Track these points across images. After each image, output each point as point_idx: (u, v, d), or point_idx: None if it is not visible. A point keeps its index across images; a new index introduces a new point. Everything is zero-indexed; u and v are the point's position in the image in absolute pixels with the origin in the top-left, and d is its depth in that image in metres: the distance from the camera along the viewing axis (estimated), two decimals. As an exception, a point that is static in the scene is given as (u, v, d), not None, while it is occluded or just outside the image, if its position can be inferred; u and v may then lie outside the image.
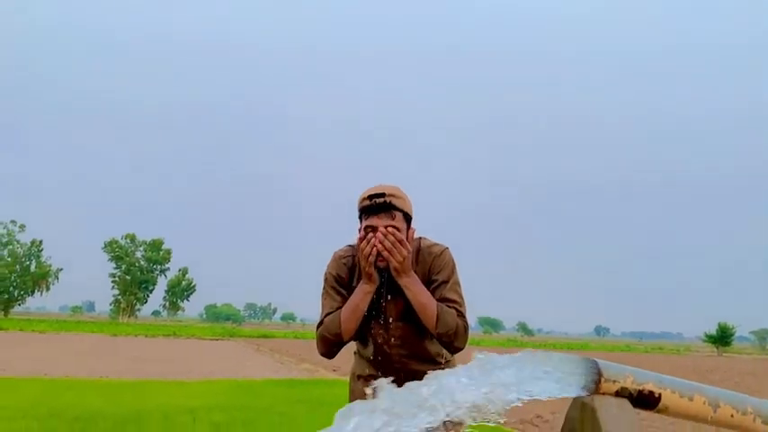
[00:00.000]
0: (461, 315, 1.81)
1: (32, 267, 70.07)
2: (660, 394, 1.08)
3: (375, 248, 1.73)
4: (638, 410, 1.08)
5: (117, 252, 74.08)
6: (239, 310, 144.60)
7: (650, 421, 7.12)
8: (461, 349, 1.83)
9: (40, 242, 71.39)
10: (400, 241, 1.73)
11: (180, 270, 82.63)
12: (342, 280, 1.92)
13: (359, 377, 2.02)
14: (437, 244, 1.94)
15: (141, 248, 76.30)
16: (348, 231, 2.04)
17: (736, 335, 63.52)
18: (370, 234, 1.75)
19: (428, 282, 1.85)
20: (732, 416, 1.15)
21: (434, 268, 1.87)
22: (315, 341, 1.95)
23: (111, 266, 74.42)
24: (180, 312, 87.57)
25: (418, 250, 1.90)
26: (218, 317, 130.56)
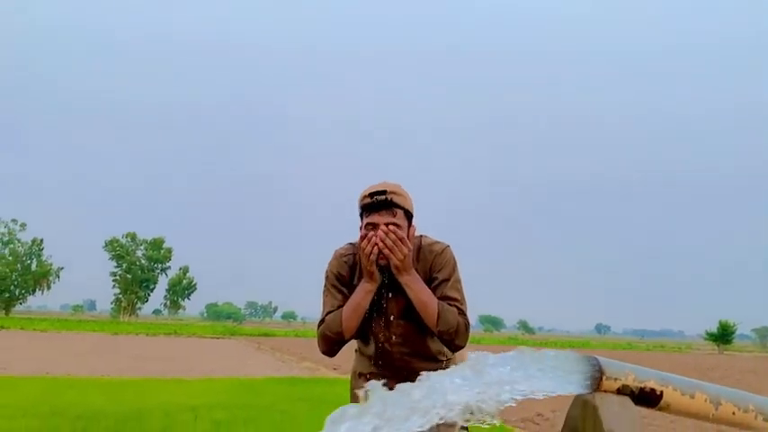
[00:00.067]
0: (462, 313, 1.81)
1: (33, 266, 70.13)
2: (662, 392, 1.08)
3: (376, 247, 1.73)
4: (639, 408, 1.08)
5: (118, 251, 74.13)
6: (240, 309, 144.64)
7: (651, 419, 7.12)
8: (462, 347, 1.83)
9: (41, 241, 71.46)
10: (401, 239, 1.73)
11: (181, 269, 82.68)
12: (343, 278, 1.92)
13: (360, 375, 2.02)
14: (438, 242, 1.94)
15: (142, 247, 76.35)
16: (349, 230, 2.04)
17: (738, 333, 63.47)
18: (371, 233, 1.75)
19: (429, 280, 1.85)
20: (734, 413, 1.15)
21: (435, 266, 1.87)
22: (316, 339, 1.95)
23: (111, 265, 74.52)
24: (181, 311, 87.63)
25: (419, 248, 1.90)
26: (219, 315, 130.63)
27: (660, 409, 1.11)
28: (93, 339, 24.87)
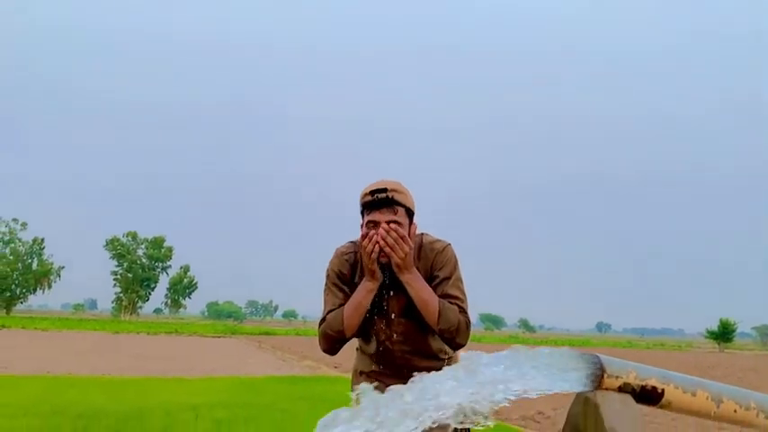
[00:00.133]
0: (463, 311, 1.81)
1: (34, 265, 70.18)
2: (663, 390, 1.08)
3: (377, 245, 1.73)
4: (640, 406, 1.08)
5: (119, 250, 74.17)
6: (241, 308, 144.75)
7: (652, 417, 7.12)
8: (463, 345, 1.83)
9: (42, 240, 71.50)
10: (402, 237, 1.73)
11: (181, 267, 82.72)
12: (344, 276, 1.92)
13: (361, 373, 2.02)
14: (439, 240, 1.94)
15: (143, 246, 76.39)
16: (349, 228, 2.05)
17: (738, 331, 63.38)
18: (372, 232, 1.75)
19: (430, 278, 1.85)
20: (735, 411, 1.15)
21: (436, 264, 1.87)
22: (316, 338, 1.95)
23: (112, 264, 74.58)
24: (182, 310, 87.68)
25: (420, 246, 1.90)
26: (220, 314, 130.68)
27: (662, 407, 1.11)
28: (94, 338, 24.89)
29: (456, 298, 1.82)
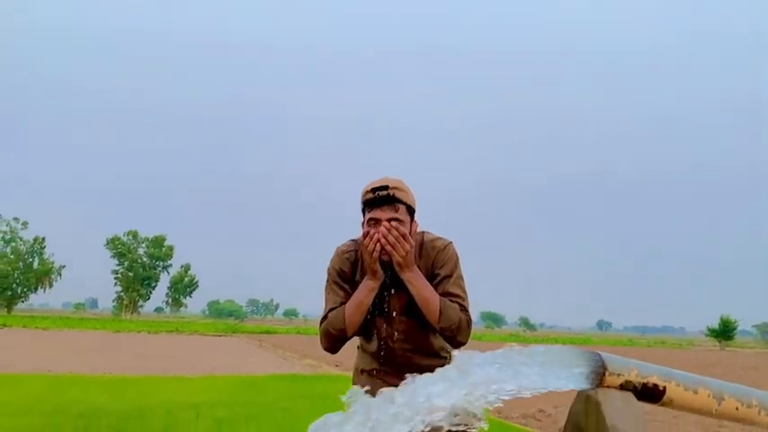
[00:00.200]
0: (464, 309, 1.81)
1: (35, 264, 70.22)
2: (665, 387, 1.08)
3: (379, 244, 1.73)
4: (642, 404, 1.07)
5: (119, 249, 74.18)
6: (242, 307, 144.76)
7: (653, 415, 7.12)
8: (464, 344, 1.83)
9: (43, 239, 71.53)
10: (403, 236, 1.72)
11: (182, 266, 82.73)
12: (345, 274, 1.92)
13: (362, 371, 2.02)
14: (440, 238, 1.94)
15: (143, 245, 76.39)
16: (350, 227, 2.04)
17: (739, 329, 63.32)
18: (373, 230, 1.74)
19: (431, 276, 1.84)
20: (737, 408, 1.15)
21: (438, 262, 1.86)
22: (317, 336, 1.95)
23: (113, 263, 74.57)
24: (182, 309, 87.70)
25: (421, 244, 1.90)
26: (221, 313, 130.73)
27: (663, 405, 1.11)
28: (95, 337, 24.91)
29: (457, 296, 1.82)
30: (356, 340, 2.04)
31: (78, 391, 7.49)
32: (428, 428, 0.90)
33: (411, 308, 1.82)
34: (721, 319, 59.10)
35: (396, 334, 1.88)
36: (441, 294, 1.80)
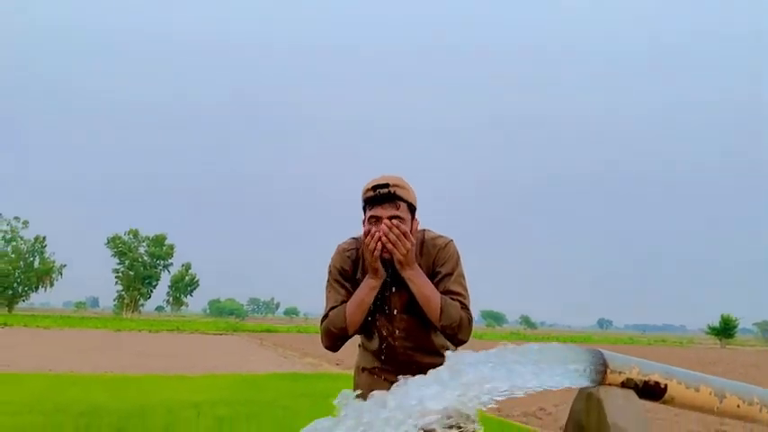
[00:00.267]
0: (465, 307, 1.80)
1: (36, 263, 70.30)
2: (666, 385, 1.08)
3: (380, 242, 1.73)
4: (643, 401, 1.07)
5: (120, 248, 74.24)
6: (242, 305, 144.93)
7: (654, 413, 7.12)
8: (465, 342, 1.83)
9: (44, 238, 71.60)
10: (404, 234, 1.72)
11: (183, 265, 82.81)
12: (346, 273, 1.92)
13: (363, 370, 2.01)
14: (441, 236, 1.94)
15: (144, 244, 76.47)
16: (351, 225, 2.04)
17: (740, 327, 63.30)
18: (374, 229, 1.74)
19: (432, 274, 1.84)
20: (738, 406, 1.14)
21: (439, 260, 1.86)
22: (318, 335, 1.95)
23: (114, 262, 74.68)
24: (183, 307, 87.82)
25: (422, 242, 1.89)
26: (222, 312, 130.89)
27: (664, 403, 1.11)
28: (96, 336, 24.93)
29: (458, 294, 1.81)
30: (357, 338, 2.04)
31: (79, 390, 7.50)
32: None
33: (412, 306, 1.82)
34: (722, 317, 59.05)
35: (397, 332, 1.87)
36: (442, 292, 1.80)
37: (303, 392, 7.80)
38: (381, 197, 1.77)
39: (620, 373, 1.04)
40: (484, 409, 0.91)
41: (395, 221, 1.73)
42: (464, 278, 1.88)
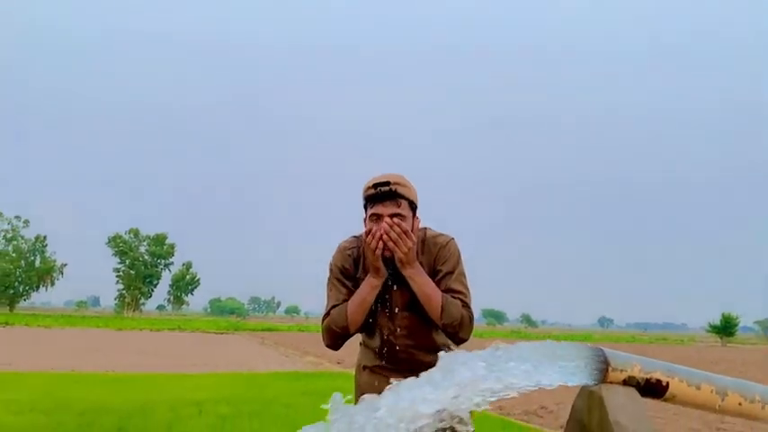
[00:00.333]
0: (466, 306, 1.80)
1: (37, 263, 70.38)
2: (668, 383, 1.08)
3: (381, 241, 1.73)
4: (644, 399, 1.07)
5: (121, 247, 74.31)
6: (243, 304, 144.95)
7: (655, 412, 7.12)
8: (466, 340, 1.83)
9: (45, 237, 71.71)
10: (405, 232, 1.72)
11: (184, 264, 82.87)
12: (347, 271, 1.92)
13: (364, 368, 2.01)
14: (442, 234, 1.94)
15: (145, 243, 76.53)
16: (351, 224, 2.04)
17: (741, 325, 63.26)
18: (376, 228, 1.74)
19: (433, 272, 1.84)
20: (740, 404, 1.14)
21: (440, 259, 1.86)
22: (319, 334, 1.95)
23: (115, 261, 74.78)
24: (184, 306, 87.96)
25: (423, 240, 1.89)
26: (223, 311, 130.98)
27: (666, 401, 1.11)
28: (97, 335, 24.96)
29: (459, 292, 1.81)
30: (358, 337, 2.05)
31: (81, 389, 7.51)
32: None
33: (413, 304, 1.82)
34: (723, 315, 58.98)
35: (398, 330, 1.87)
36: (443, 291, 1.80)
37: (304, 391, 7.80)
38: (382, 195, 1.77)
39: (621, 370, 1.04)
40: (478, 410, 0.90)
41: (396, 220, 1.73)
42: (465, 276, 1.88)
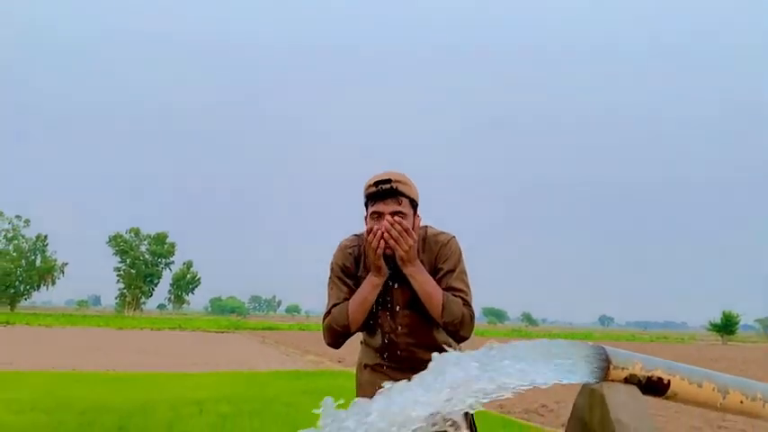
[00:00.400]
0: (467, 304, 1.80)
1: (38, 262, 70.42)
2: (669, 381, 1.08)
3: (382, 240, 1.73)
4: (646, 397, 1.07)
5: (122, 246, 74.35)
6: (244, 303, 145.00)
7: (655, 410, 7.12)
8: (467, 338, 1.83)
9: (45, 237, 71.75)
10: (406, 230, 1.72)
11: (184, 263, 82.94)
12: (348, 270, 1.92)
13: (365, 366, 2.01)
14: (443, 232, 1.94)
15: (146, 242, 76.57)
16: (351, 223, 2.04)
17: (741, 323, 63.26)
18: (377, 226, 1.74)
19: (434, 270, 1.84)
20: (741, 402, 1.14)
21: (441, 257, 1.86)
22: (319, 333, 1.95)
23: (115, 260, 74.83)
24: (185, 305, 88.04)
25: (424, 239, 1.89)
26: (223, 310, 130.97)
27: (667, 399, 1.10)
28: (98, 334, 24.98)
29: (460, 291, 1.81)
30: (359, 335, 2.04)
31: (82, 388, 7.51)
32: None
33: (414, 302, 1.82)
34: (723, 313, 58.99)
35: (399, 328, 1.87)
36: (444, 289, 1.80)
37: (305, 390, 7.80)
38: (383, 193, 1.77)
39: (622, 368, 1.04)
40: (471, 411, 0.89)
41: (397, 218, 1.73)
42: (466, 275, 1.88)
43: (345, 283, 1.90)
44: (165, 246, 77.06)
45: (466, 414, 0.91)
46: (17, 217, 70.00)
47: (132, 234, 76.11)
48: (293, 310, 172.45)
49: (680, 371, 1.10)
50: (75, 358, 12.33)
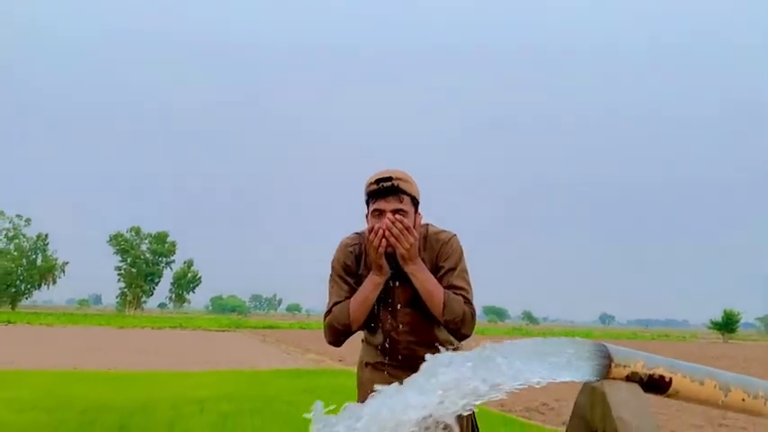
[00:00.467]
0: (468, 302, 1.80)
1: (39, 261, 70.48)
2: (671, 378, 1.07)
3: (384, 239, 1.73)
4: (647, 396, 1.07)
5: (122, 245, 74.39)
6: (245, 302, 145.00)
7: (656, 408, 7.12)
8: (468, 336, 1.83)
9: (46, 236, 71.79)
10: (407, 228, 1.72)
11: (185, 262, 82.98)
12: (349, 268, 1.92)
13: (367, 365, 2.01)
14: (444, 231, 1.94)
15: (146, 241, 76.61)
16: (352, 222, 2.04)
17: (742, 321, 63.21)
18: (378, 225, 1.74)
19: (435, 268, 1.84)
20: (743, 400, 1.14)
21: (442, 255, 1.86)
22: (320, 331, 1.95)
23: (116, 259, 74.88)
24: (186, 304, 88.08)
25: (426, 237, 1.89)
26: (224, 308, 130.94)
27: (669, 396, 1.10)
28: (99, 333, 25.00)
29: (461, 289, 1.81)
30: (360, 334, 2.04)
31: (83, 387, 7.52)
32: None
33: (415, 300, 1.82)
34: (724, 311, 58.94)
35: (400, 326, 1.87)
36: (445, 287, 1.80)
37: (306, 388, 7.81)
38: (385, 190, 1.77)
39: (624, 366, 1.03)
40: (464, 413, 0.88)
41: (398, 216, 1.73)
42: (467, 273, 1.88)
43: (346, 282, 1.90)
44: (166, 245, 77.10)
45: (459, 416, 0.89)
46: (18, 216, 70.13)
47: (133, 233, 76.15)
48: (294, 308, 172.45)
49: (681, 369, 1.09)
50: (76, 357, 12.35)
